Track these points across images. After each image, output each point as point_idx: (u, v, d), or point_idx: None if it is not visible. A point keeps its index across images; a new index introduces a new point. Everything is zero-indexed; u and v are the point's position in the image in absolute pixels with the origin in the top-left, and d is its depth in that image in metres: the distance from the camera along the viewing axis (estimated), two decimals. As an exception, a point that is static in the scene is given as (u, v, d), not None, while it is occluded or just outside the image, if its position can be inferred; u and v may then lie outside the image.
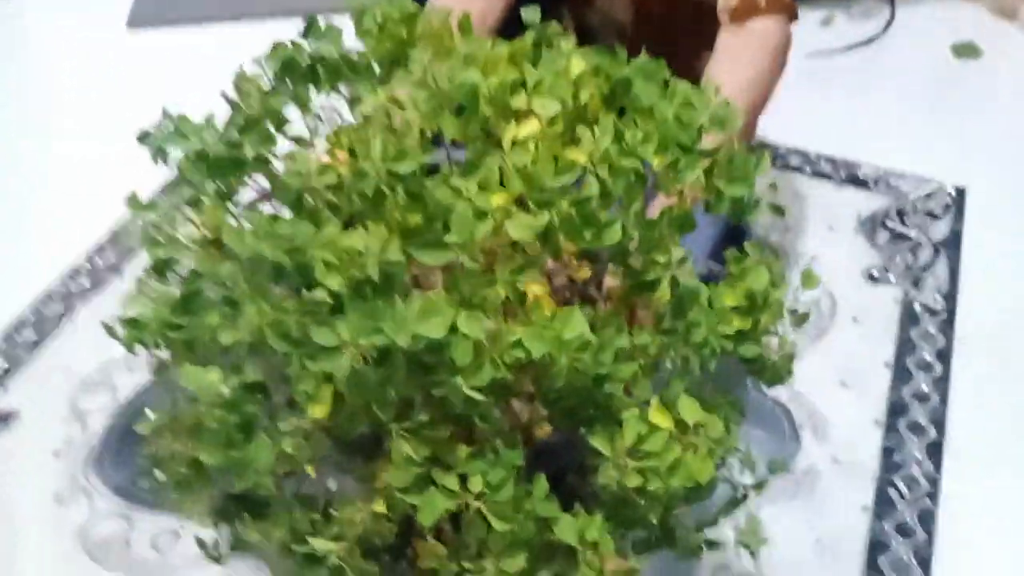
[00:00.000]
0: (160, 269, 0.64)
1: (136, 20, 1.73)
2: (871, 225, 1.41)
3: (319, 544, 0.60)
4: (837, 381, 1.19)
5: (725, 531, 0.75)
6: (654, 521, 0.63)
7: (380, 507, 0.60)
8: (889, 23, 1.82)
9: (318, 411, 0.56)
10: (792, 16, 1.11)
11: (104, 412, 1.18)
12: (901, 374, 1.20)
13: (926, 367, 1.20)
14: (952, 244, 1.37)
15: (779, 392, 1.17)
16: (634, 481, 0.59)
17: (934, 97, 1.69)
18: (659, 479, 0.60)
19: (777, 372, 0.70)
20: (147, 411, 0.65)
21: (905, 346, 1.23)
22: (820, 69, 1.71)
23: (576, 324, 0.57)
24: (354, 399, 0.56)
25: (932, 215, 1.42)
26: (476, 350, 0.55)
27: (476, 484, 0.58)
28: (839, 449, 1.11)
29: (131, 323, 0.62)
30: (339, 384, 0.55)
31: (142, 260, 0.90)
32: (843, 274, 1.33)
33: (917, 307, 1.28)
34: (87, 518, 1.07)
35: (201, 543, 0.71)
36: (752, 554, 0.74)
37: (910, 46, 1.79)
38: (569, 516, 0.61)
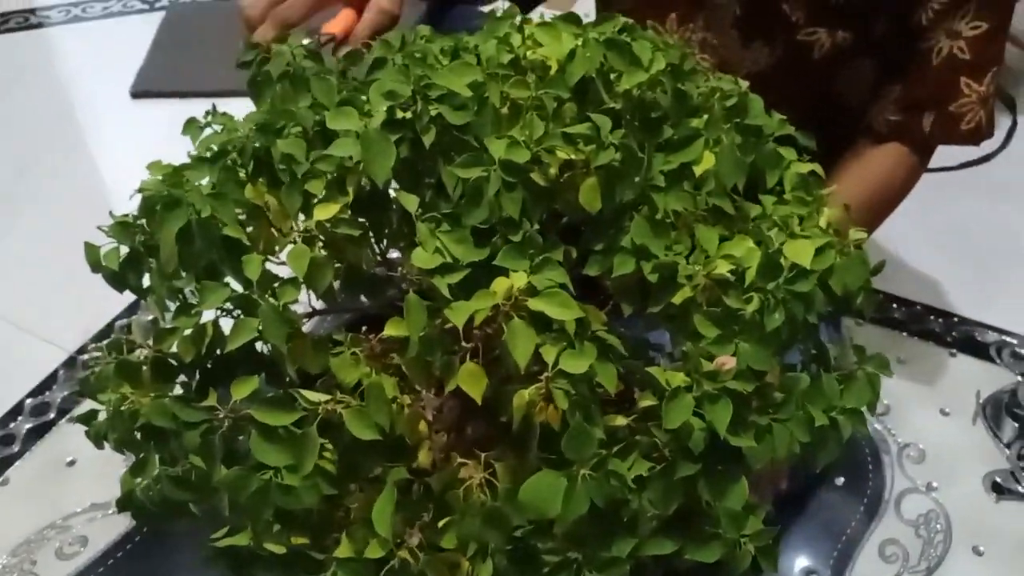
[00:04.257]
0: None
1: (139, 90, 1.72)
2: (995, 411, 1.12)
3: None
4: (954, 649, 0.91)
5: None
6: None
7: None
8: (1010, 134, 1.53)
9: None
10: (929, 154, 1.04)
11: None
12: (1041, 643, 0.91)
13: (1075, 635, 0.91)
14: (1104, 447, 1.07)
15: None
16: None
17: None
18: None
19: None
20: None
21: (1045, 599, 0.94)
22: (923, 193, 1.42)
23: None
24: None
25: (1073, 401, 1.13)
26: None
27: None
28: None
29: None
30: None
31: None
32: (960, 480, 1.05)
33: (1059, 540, 0.99)
34: None
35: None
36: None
37: (1038, 163, 1.49)
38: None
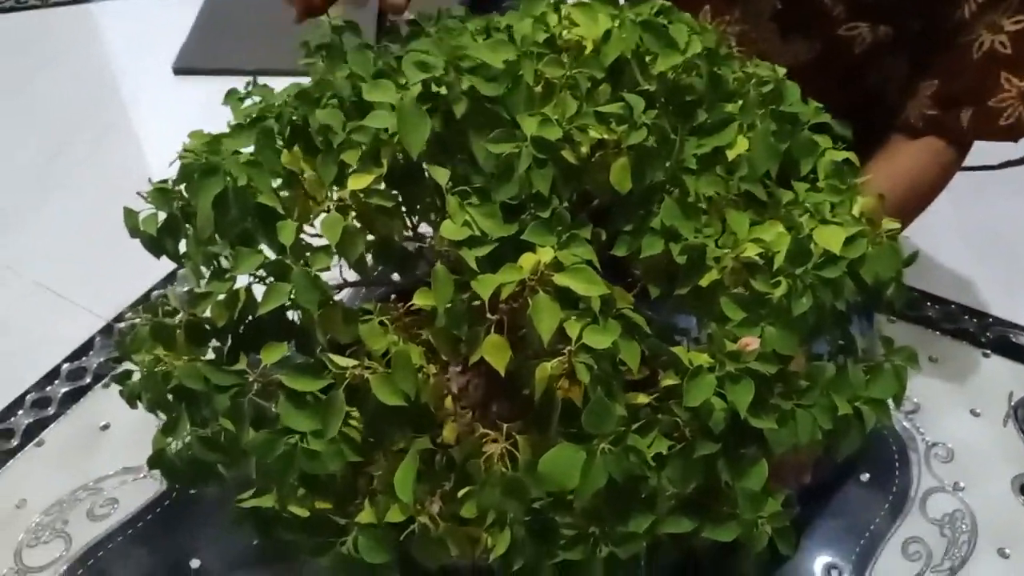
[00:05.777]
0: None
1: (182, 67, 1.75)
2: (1027, 414, 1.10)
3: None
4: (975, 649, 0.90)
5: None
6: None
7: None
8: (1056, 134, 1.50)
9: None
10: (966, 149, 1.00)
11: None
12: (1064, 648, 0.90)
13: (1100, 641, 0.90)
14: None
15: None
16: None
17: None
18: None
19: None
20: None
21: (1070, 604, 0.93)
22: (963, 191, 1.39)
23: None
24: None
25: (1108, 406, 1.11)
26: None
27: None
28: None
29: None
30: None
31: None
32: (988, 481, 1.04)
33: (1087, 544, 0.97)
34: None
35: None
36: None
37: (1082, 165, 1.46)
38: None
